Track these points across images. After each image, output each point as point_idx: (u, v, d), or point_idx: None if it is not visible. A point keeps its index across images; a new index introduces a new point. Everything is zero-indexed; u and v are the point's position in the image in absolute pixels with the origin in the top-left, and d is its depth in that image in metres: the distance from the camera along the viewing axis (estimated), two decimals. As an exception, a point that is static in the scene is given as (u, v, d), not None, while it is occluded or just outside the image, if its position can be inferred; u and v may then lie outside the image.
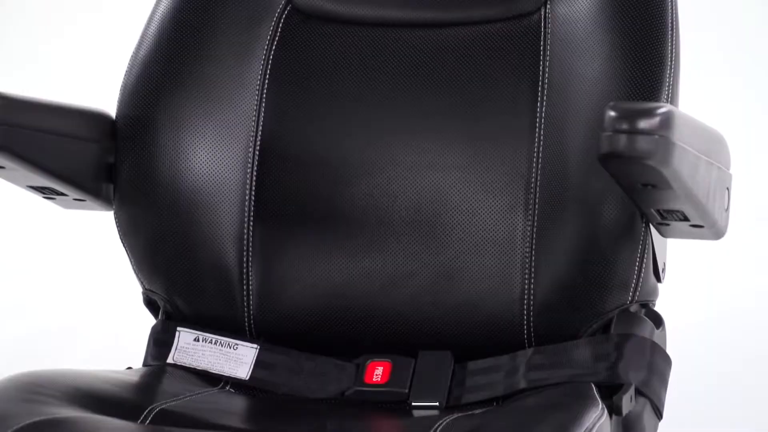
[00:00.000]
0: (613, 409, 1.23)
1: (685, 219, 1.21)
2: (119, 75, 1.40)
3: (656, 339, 1.30)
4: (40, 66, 2.57)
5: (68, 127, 1.34)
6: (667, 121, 1.08)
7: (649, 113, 1.08)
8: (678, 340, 1.43)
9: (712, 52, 2.30)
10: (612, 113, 1.09)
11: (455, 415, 1.23)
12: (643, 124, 1.08)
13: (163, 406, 1.24)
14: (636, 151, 1.08)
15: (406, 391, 1.31)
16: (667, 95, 1.28)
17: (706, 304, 2.26)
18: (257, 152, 1.38)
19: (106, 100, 1.43)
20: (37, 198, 1.40)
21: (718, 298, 2.27)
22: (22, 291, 2.48)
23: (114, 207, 1.39)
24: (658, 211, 1.22)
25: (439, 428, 1.17)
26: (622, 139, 1.08)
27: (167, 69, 1.39)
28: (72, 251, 2.46)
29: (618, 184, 1.17)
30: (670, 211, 1.21)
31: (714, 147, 1.21)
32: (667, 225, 1.25)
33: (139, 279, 1.40)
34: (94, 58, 2.51)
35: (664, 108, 1.09)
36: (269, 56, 1.40)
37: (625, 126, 1.08)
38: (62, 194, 1.37)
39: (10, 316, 2.46)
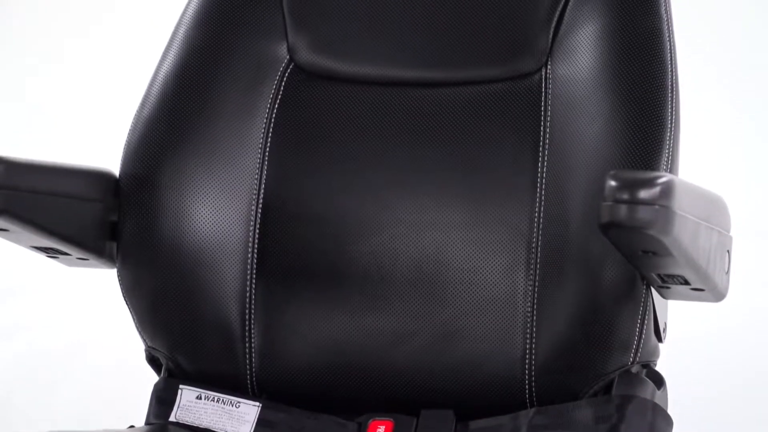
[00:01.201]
0: None
1: (686, 283, 1.22)
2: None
3: (657, 400, 1.30)
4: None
5: (71, 188, 1.35)
6: (668, 190, 1.09)
7: (650, 183, 1.09)
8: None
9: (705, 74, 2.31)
10: (612, 182, 1.09)
11: None
12: (644, 194, 1.08)
13: None
14: (636, 221, 1.09)
15: None
16: (668, 158, 1.28)
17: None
18: (260, 210, 1.39)
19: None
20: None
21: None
22: (27, 309, 2.49)
23: (117, 265, 1.40)
24: (658, 275, 1.22)
25: None
26: (623, 209, 1.09)
27: (170, 128, 1.40)
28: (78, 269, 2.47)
29: (618, 250, 1.18)
30: (671, 276, 1.21)
31: (714, 211, 1.21)
32: (668, 288, 1.25)
33: (142, 336, 1.41)
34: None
35: (664, 177, 1.09)
36: (272, 115, 1.41)
37: (625, 196, 1.09)
38: (65, 254, 1.38)
39: (15, 335, 2.47)
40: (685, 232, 1.12)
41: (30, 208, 1.30)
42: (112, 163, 1.41)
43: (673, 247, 1.12)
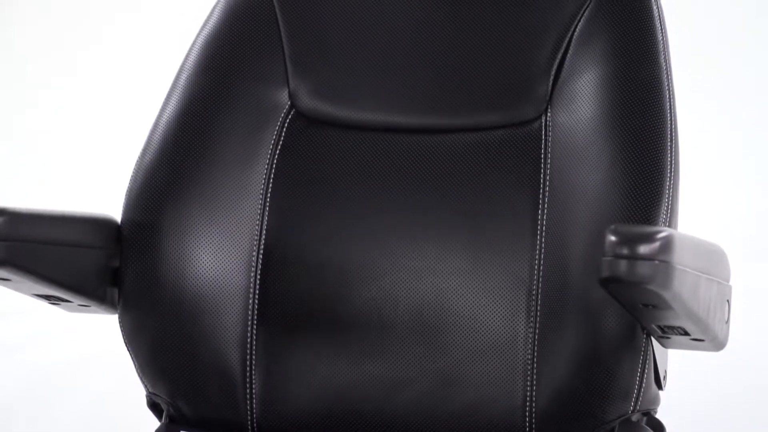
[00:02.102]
0: None
1: (686, 333, 1.22)
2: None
3: (658, 448, 1.31)
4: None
5: (73, 236, 1.35)
6: (667, 245, 1.09)
7: (649, 238, 1.09)
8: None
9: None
10: (612, 237, 1.10)
11: None
12: (644, 249, 1.09)
13: None
14: (636, 277, 1.09)
15: None
16: (667, 207, 1.29)
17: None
18: (261, 256, 1.39)
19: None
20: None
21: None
22: (29, 326, 2.49)
23: (118, 311, 1.40)
24: (658, 326, 1.23)
25: None
26: (623, 265, 1.09)
27: (171, 174, 1.40)
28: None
29: (619, 303, 1.18)
30: (671, 327, 1.22)
31: (713, 262, 1.22)
32: (668, 338, 1.26)
33: (143, 382, 1.41)
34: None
35: (663, 232, 1.10)
36: (273, 161, 1.42)
37: (625, 251, 1.09)
38: (67, 301, 1.38)
39: (18, 352, 2.47)
40: (685, 286, 1.13)
41: (32, 258, 1.30)
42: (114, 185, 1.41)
43: (673, 300, 1.12)
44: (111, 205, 1.45)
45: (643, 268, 1.09)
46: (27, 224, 1.31)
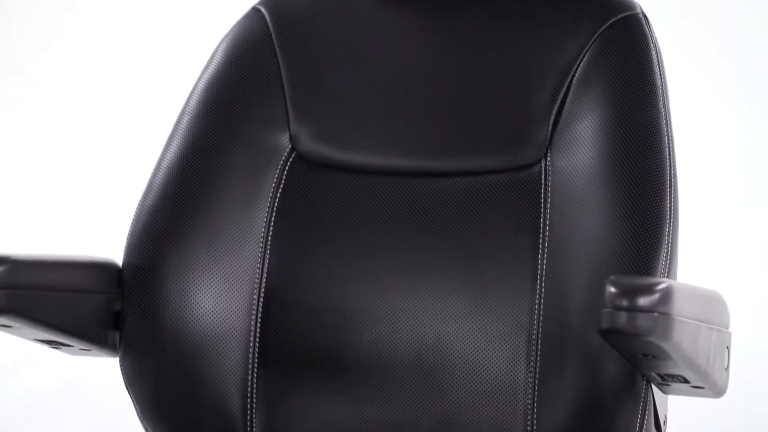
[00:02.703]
0: None
1: (686, 381, 1.23)
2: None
3: (658, 493, 1.31)
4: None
5: (74, 282, 1.36)
6: (667, 297, 1.10)
7: (649, 290, 1.10)
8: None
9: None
10: (612, 289, 1.10)
11: None
12: (643, 301, 1.09)
13: None
14: (636, 329, 1.10)
15: None
16: (667, 252, 1.29)
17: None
18: (261, 299, 1.40)
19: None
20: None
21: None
22: (30, 345, 2.48)
23: (119, 355, 1.40)
24: (658, 374, 1.23)
25: None
26: (623, 317, 1.10)
27: (173, 217, 1.41)
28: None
29: (619, 352, 1.19)
30: (671, 375, 1.22)
31: (713, 310, 1.22)
32: (668, 386, 1.26)
33: (144, 426, 1.41)
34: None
35: (663, 284, 1.10)
36: (274, 204, 1.42)
37: (625, 303, 1.10)
38: (69, 345, 1.38)
39: (19, 371, 2.47)
40: (685, 336, 1.13)
41: (33, 306, 1.31)
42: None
43: (673, 351, 1.13)
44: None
45: (642, 320, 1.09)
46: (28, 272, 1.31)
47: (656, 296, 1.09)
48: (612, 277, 1.11)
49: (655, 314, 1.09)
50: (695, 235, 2.10)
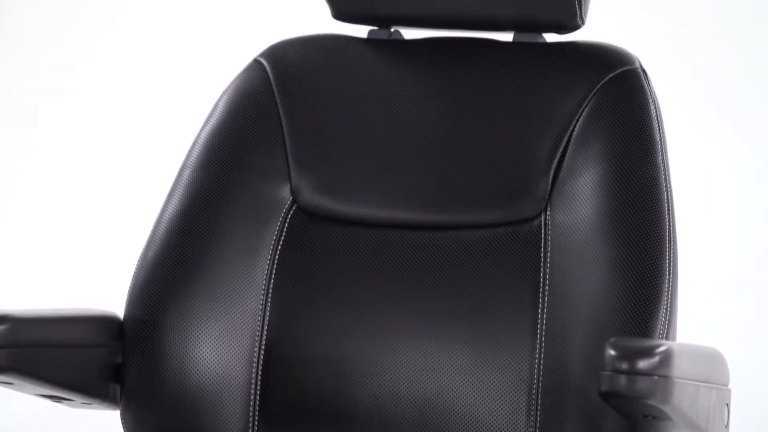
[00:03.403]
0: None
1: None
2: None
3: None
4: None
5: (75, 337, 1.36)
6: (666, 360, 1.10)
7: (649, 353, 1.10)
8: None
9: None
10: (612, 352, 1.11)
11: None
12: (643, 364, 1.10)
13: None
14: (636, 392, 1.10)
15: None
16: (666, 308, 1.30)
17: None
18: (262, 352, 1.40)
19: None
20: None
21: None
22: None
23: (120, 407, 1.41)
24: None
25: None
26: (622, 380, 1.10)
27: (174, 270, 1.41)
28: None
29: (619, 414, 1.19)
30: None
31: (712, 369, 1.23)
32: None
33: None
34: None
35: (662, 346, 1.11)
36: (275, 256, 1.43)
37: (624, 366, 1.10)
38: (70, 399, 1.39)
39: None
40: (685, 397, 1.14)
41: (35, 363, 1.31)
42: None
43: (673, 413, 1.13)
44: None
45: (642, 384, 1.10)
46: (29, 329, 1.31)
47: (656, 359, 1.10)
48: (612, 340, 1.12)
49: (655, 377, 1.10)
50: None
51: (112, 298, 1.51)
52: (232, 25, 2.49)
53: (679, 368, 1.12)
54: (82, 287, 2.45)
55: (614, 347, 1.11)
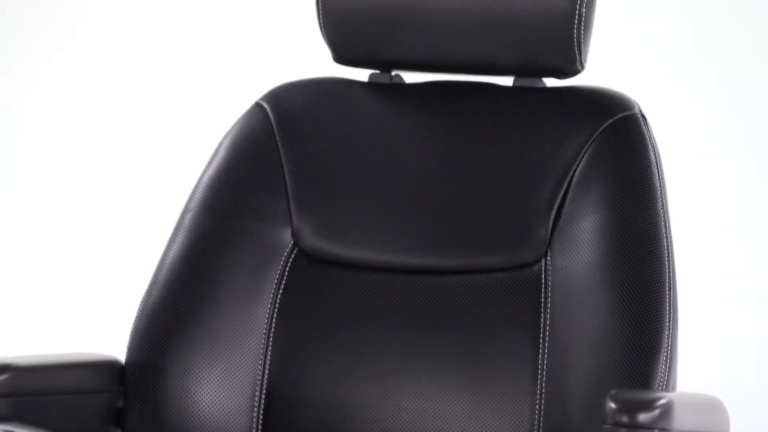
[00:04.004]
0: None
1: None
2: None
3: None
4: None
5: (77, 383, 1.37)
6: (667, 412, 1.11)
7: (649, 406, 1.11)
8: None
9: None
10: (612, 405, 1.11)
11: None
12: (643, 417, 1.10)
13: None
14: None
15: None
16: (666, 355, 1.30)
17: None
18: (263, 396, 1.41)
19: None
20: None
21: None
22: None
23: (122, 452, 1.41)
24: None
25: None
26: None
27: (176, 315, 1.42)
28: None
29: None
30: None
31: (713, 419, 1.23)
32: None
33: None
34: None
35: (663, 399, 1.11)
36: (276, 300, 1.43)
37: (625, 419, 1.11)
38: None
39: None
40: None
41: (37, 411, 1.32)
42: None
43: None
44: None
45: None
46: (30, 378, 1.32)
47: (656, 412, 1.11)
48: (612, 392, 1.13)
49: (656, 431, 1.10)
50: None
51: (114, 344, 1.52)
52: (233, 74, 2.50)
53: (680, 420, 1.12)
54: (84, 332, 2.45)
55: (615, 400, 1.12)
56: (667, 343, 1.31)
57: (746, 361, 2.28)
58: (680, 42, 2.33)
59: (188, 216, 1.47)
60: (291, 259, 1.45)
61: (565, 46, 1.43)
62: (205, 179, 1.48)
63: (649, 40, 2.33)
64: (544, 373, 1.35)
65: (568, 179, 1.41)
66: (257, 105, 1.51)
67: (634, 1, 2.33)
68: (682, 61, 2.32)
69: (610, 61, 2.14)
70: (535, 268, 1.40)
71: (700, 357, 2.23)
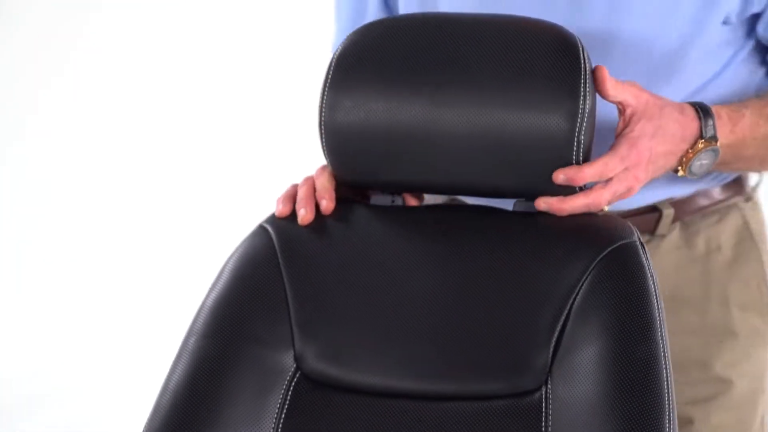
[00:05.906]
0: None
1: None
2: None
3: None
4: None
5: None
6: None
7: None
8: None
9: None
10: None
11: None
12: None
13: None
14: None
15: None
16: None
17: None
18: None
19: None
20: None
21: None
22: (37, 388, 2.48)
23: None
24: None
25: None
26: None
27: None
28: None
29: None
30: None
31: None
32: None
33: None
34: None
35: None
36: (279, 424, 1.45)
37: None
38: None
39: (25, 414, 2.47)
40: None
41: None
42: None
43: None
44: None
45: None
46: None
47: None
48: None
49: None
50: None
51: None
52: (231, 86, 2.49)
53: None
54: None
55: None
56: None
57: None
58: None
59: (191, 341, 1.48)
60: (293, 383, 1.46)
61: None
62: (209, 303, 1.50)
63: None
64: None
65: (567, 307, 1.43)
66: (261, 228, 1.53)
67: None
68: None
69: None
70: (536, 396, 1.41)
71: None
